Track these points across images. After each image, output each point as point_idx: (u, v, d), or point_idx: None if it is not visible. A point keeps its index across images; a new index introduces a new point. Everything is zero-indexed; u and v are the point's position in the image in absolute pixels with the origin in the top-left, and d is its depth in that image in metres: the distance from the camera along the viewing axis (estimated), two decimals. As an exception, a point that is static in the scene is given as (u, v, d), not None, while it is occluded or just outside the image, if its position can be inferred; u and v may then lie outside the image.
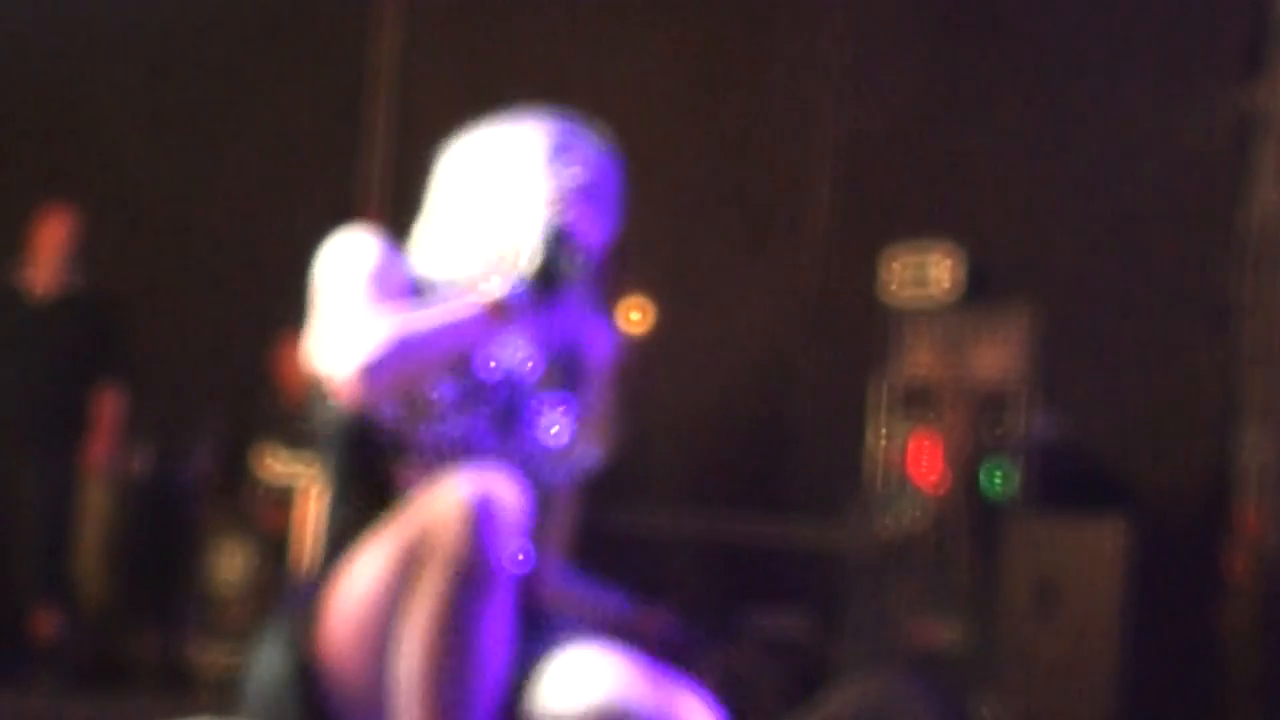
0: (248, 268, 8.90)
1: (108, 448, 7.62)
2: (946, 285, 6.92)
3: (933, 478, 6.64)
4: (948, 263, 6.93)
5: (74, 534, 7.79)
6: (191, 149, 8.99)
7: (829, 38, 8.22)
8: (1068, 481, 6.79)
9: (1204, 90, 7.19)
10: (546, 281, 2.45)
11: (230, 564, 8.05)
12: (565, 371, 2.62)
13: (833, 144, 8.17)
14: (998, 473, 6.63)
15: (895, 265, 7.02)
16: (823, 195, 8.16)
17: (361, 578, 2.32)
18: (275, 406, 8.08)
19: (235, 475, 8.02)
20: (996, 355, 6.78)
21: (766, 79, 8.24)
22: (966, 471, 6.61)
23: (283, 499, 7.73)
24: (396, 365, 2.37)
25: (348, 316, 2.41)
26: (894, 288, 6.99)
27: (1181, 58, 7.25)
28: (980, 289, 6.99)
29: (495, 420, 2.53)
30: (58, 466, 7.53)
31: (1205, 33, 7.19)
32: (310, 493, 7.51)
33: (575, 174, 2.62)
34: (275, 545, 7.76)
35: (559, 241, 2.48)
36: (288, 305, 9.14)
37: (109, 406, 7.60)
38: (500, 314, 2.41)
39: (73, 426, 7.54)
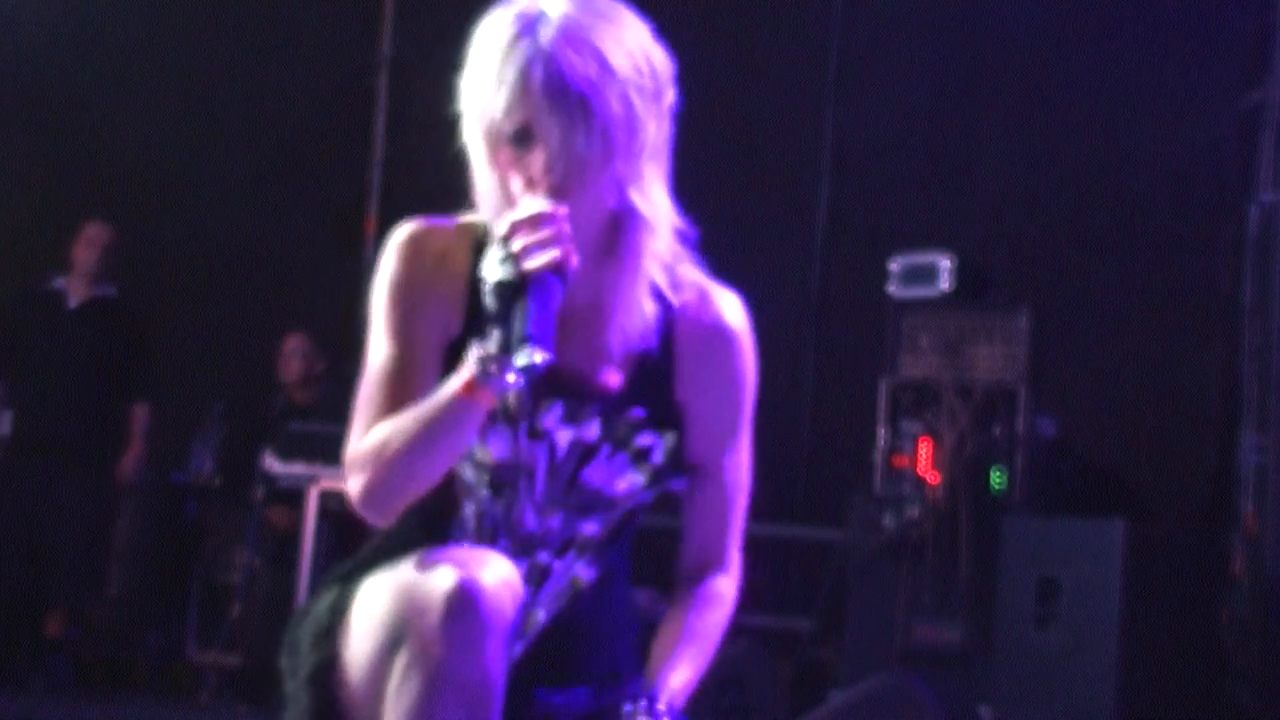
0: (249, 270, 8.91)
1: (138, 461, 7.68)
2: (946, 285, 6.92)
3: (932, 478, 6.64)
4: (947, 263, 6.93)
5: (109, 544, 7.86)
6: (189, 155, 8.99)
7: (829, 38, 8.22)
8: (1067, 481, 6.80)
9: (1205, 91, 7.19)
10: (513, 332, 2.18)
11: (231, 565, 8.06)
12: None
13: (833, 144, 8.18)
14: (997, 473, 6.64)
15: (895, 265, 7.02)
16: (823, 195, 8.16)
17: (362, 622, 2.30)
18: (279, 408, 8.08)
19: (237, 477, 8.02)
20: (996, 355, 6.78)
21: (767, 79, 8.24)
22: (966, 471, 6.61)
23: (284, 500, 7.73)
24: (392, 491, 2.31)
25: (350, 440, 2.35)
26: (894, 288, 6.99)
27: (1182, 59, 7.25)
28: (980, 289, 7.00)
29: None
30: (96, 478, 7.58)
31: (1206, 35, 7.19)
32: (311, 494, 7.52)
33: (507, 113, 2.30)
34: (277, 546, 7.77)
35: (510, 292, 2.21)
36: (289, 307, 9.16)
37: (139, 419, 7.67)
38: (481, 390, 2.22)
39: (107, 438, 7.60)
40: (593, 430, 2.38)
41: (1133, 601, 5.90)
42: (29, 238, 8.66)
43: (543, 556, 2.41)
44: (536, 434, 2.37)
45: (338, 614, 2.36)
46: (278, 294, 8.74)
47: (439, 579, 2.17)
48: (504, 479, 2.39)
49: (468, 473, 2.39)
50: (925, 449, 6.70)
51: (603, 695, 2.45)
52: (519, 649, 2.40)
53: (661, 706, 2.34)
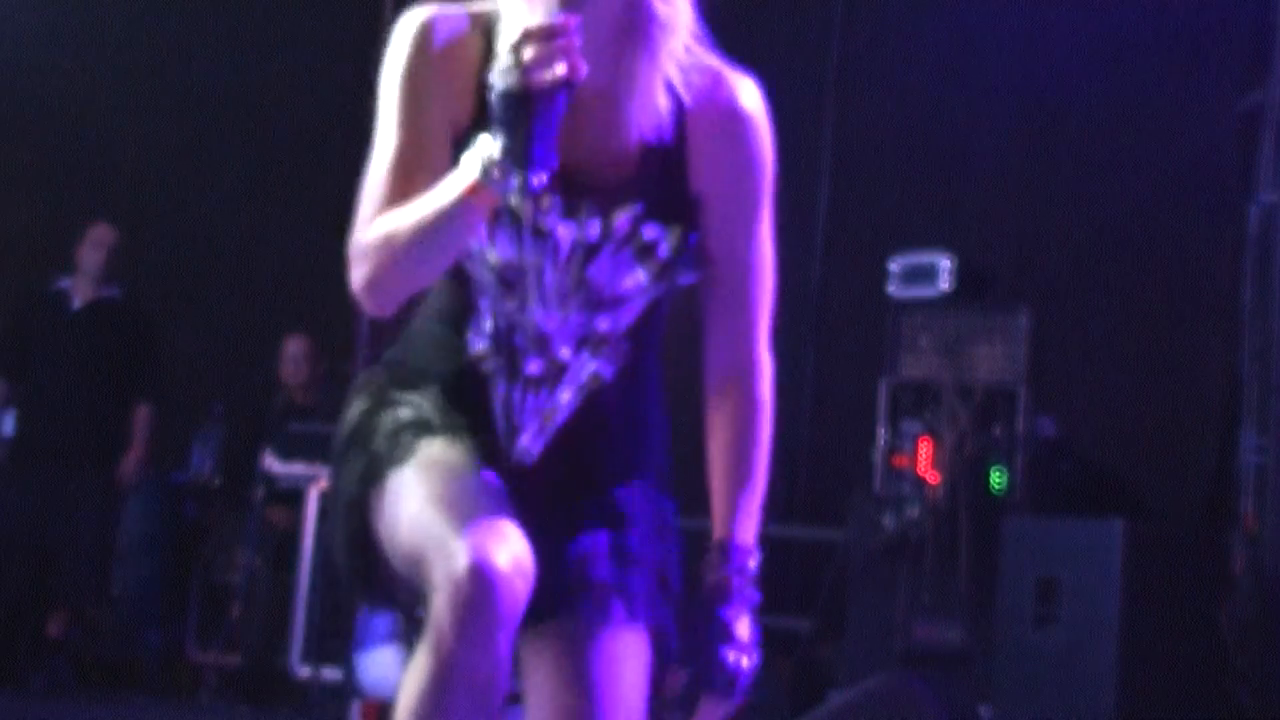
0: (249, 270, 8.91)
1: (138, 462, 7.67)
2: (946, 285, 6.92)
3: (932, 478, 6.64)
4: (947, 263, 6.93)
5: (112, 545, 7.86)
6: (189, 155, 8.99)
7: (829, 38, 8.22)
8: (1067, 481, 6.80)
9: (1205, 91, 7.19)
10: (522, 144, 2.16)
11: (231, 565, 8.06)
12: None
13: (832, 144, 8.18)
14: (997, 473, 6.64)
15: (895, 265, 7.02)
16: (823, 195, 8.16)
17: (389, 533, 2.32)
18: (279, 408, 8.08)
19: (237, 477, 8.02)
20: (996, 355, 6.78)
21: (767, 79, 8.24)
22: (966, 471, 6.61)
23: (284, 500, 7.73)
24: (394, 283, 2.33)
25: (354, 230, 2.37)
26: (894, 288, 7.00)
27: (1182, 59, 7.25)
28: (980, 289, 7.00)
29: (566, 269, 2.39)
30: (99, 478, 7.57)
31: (1206, 35, 7.19)
32: (311, 494, 7.52)
33: None
34: (277, 546, 7.77)
35: (515, 103, 2.17)
36: (290, 307, 9.16)
37: (141, 421, 7.66)
38: (483, 193, 2.21)
39: (111, 439, 7.59)
40: (594, 227, 2.38)
41: (1133, 601, 5.90)
42: (29, 238, 8.66)
43: (561, 353, 2.42)
44: (540, 233, 2.37)
45: (366, 484, 2.38)
46: (278, 294, 8.74)
47: (455, 561, 2.16)
48: (512, 278, 2.39)
49: (480, 273, 2.40)
50: (925, 449, 6.70)
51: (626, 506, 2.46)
52: (538, 446, 2.42)
53: (731, 566, 2.40)
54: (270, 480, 7.74)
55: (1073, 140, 7.53)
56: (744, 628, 2.40)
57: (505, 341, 2.41)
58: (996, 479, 6.63)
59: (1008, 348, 6.77)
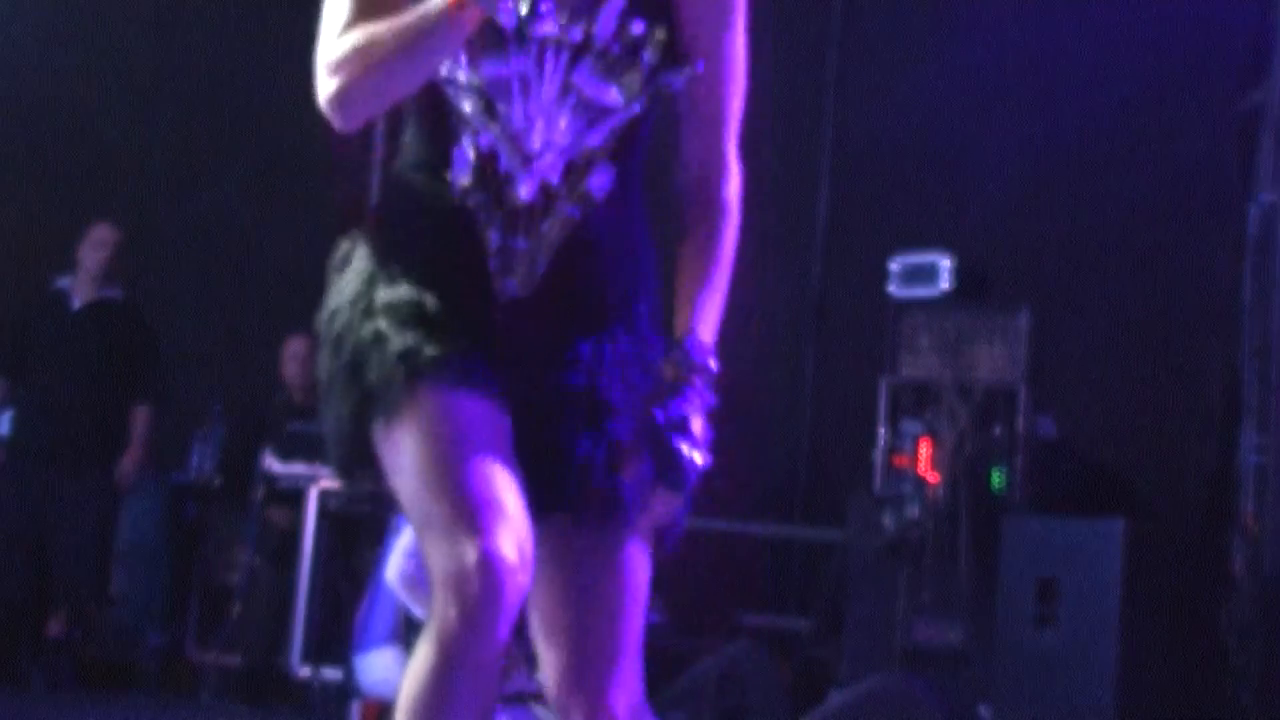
0: (250, 271, 8.90)
1: (136, 463, 7.67)
2: (946, 285, 6.92)
3: (932, 478, 6.64)
4: (947, 263, 6.93)
5: (112, 545, 7.86)
6: (189, 155, 8.99)
7: (829, 38, 8.22)
8: (1067, 481, 6.80)
9: (1205, 91, 7.19)
10: None
11: (231, 565, 8.06)
12: None
13: (832, 144, 8.17)
14: (997, 473, 6.64)
15: (895, 265, 7.02)
16: (823, 195, 8.16)
17: (392, 474, 2.32)
18: (279, 408, 8.08)
19: (237, 477, 8.02)
20: (996, 355, 6.78)
21: (766, 79, 8.24)
22: (966, 471, 6.61)
23: (284, 500, 7.73)
24: (368, 95, 2.33)
25: (323, 43, 2.35)
26: (894, 288, 7.00)
27: (1182, 59, 7.25)
28: (980, 289, 7.00)
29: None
30: (99, 479, 7.56)
31: (1205, 35, 7.19)
32: (311, 494, 7.52)
33: None
34: (277, 546, 7.77)
35: None
36: (290, 307, 9.17)
37: (140, 422, 7.65)
38: (470, 7, 2.24)
39: (110, 439, 7.58)
40: (578, 29, 2.37)
41: (1132, 601, 5.91)
42: (29, 238, 8.66)
43: (550, 175, 2.40)
44: (524, 38, 2.36)
45: (360, 420, 2.38)
46: (278, 295, 8.72)
47: (462, 557, 2.17)
48: (495, 95, 2.38)
49: (460, 101, 2.40)
50: (925, 449, 6.70)
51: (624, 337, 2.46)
52: (535, 274, 2.40)
53: (697, 359, 2.43)
54: (270, 480, 7.74)
55: (1072, 140, 7.53)
56: (698, 425, 2.42)
57: (489, 171, 2.40)
58: (996, 479, 6.63)
59: (1008, 348, 6.77)
